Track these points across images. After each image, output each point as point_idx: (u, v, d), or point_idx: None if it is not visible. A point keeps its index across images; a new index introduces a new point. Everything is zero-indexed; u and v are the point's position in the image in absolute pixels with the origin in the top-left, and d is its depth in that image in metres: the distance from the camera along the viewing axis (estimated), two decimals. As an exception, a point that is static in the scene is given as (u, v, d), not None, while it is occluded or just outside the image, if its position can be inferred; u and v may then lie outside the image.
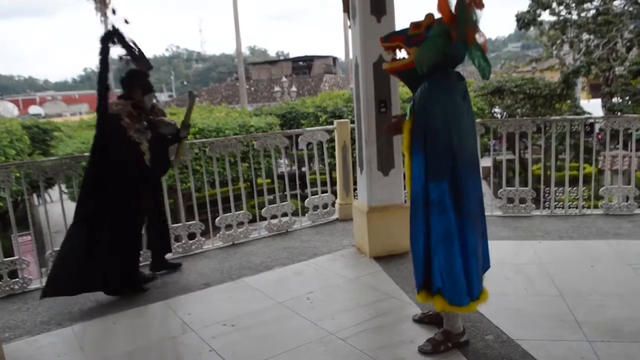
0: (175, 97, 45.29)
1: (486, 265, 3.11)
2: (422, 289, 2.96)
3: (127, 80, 4.23)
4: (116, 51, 4.11)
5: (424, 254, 2.89)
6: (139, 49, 4.15)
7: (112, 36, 4.06)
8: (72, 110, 48.83)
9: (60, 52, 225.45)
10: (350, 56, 5.44)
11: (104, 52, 4.05)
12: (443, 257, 2.82)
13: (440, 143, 2.76)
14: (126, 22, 4.08)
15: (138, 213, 4.34)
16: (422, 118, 2.81)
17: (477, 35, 2.77)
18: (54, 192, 10.54)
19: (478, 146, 3.01)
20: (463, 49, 2.74)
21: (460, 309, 2.90)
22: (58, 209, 4.79)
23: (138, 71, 4.24)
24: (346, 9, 4.77)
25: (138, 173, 4.20)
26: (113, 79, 4.17)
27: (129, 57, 4.15)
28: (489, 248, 3.10)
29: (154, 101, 4.52)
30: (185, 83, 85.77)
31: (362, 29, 4.47)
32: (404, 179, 2.99)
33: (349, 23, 4.78)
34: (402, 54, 2.98)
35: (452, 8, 2.70)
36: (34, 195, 16.29)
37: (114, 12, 4.05)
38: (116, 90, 4.27)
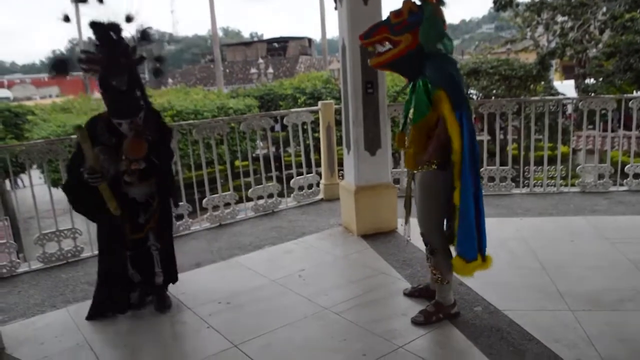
0: (147, 79, 44.34)
1: None
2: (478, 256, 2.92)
3: None
4: None
5: (475, 216, 2.86)
6: None
7: None
8: (42, 93, 47.59)
9: (27, 33, 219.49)
10: (328, 37, 5.47)
11: None
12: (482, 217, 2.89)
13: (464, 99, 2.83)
14: None
15: None
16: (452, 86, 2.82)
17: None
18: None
19: None
20: (441, 26, 2.85)
21: (476, 265, 2.92)
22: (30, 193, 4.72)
23: None
24: (332, -9, 4.79)
25: None
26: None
27: None
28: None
29: None
30: (157, 65, 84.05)
31: (349, 11, 4.51)
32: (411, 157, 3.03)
33: (334, 5, 4.80)
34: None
35: None
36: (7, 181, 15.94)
37: None
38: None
